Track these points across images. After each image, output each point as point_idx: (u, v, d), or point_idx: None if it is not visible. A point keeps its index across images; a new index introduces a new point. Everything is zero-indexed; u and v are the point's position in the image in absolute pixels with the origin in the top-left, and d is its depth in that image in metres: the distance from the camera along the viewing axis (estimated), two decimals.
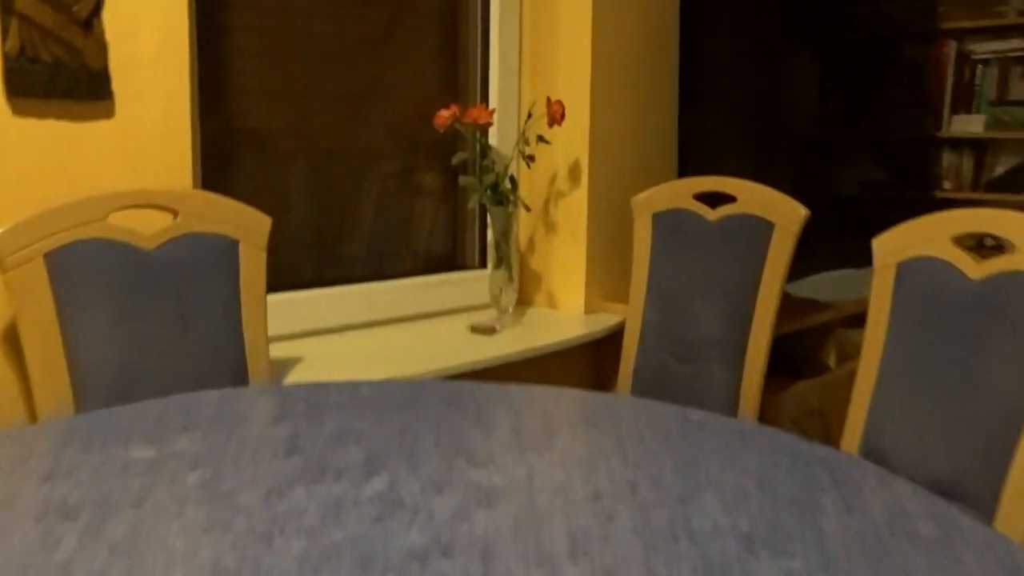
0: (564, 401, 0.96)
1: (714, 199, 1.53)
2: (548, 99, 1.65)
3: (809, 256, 1.56)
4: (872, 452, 1.13)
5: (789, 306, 1.58)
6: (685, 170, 1.93)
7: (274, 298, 1.47)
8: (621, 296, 1.78)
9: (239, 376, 1.18)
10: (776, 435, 0.84)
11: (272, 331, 1.42)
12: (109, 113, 1.16)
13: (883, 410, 1.12)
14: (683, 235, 1.58)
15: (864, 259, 1.49)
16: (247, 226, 1.19)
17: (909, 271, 1.13)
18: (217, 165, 1.43)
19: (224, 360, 1.16)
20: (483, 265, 1.88)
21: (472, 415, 0.89)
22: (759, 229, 1.47)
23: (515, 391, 0.99)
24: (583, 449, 0.79)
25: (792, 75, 2.70)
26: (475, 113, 1.59)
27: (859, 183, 2.85)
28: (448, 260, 1.84)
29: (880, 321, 1.15)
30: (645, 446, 0.80)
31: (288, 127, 1.54)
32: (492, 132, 1.82)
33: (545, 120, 1.64)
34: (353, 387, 0.99)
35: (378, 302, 1.65)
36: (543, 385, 1.02)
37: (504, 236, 1.64)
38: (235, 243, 1.18)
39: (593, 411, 0.92)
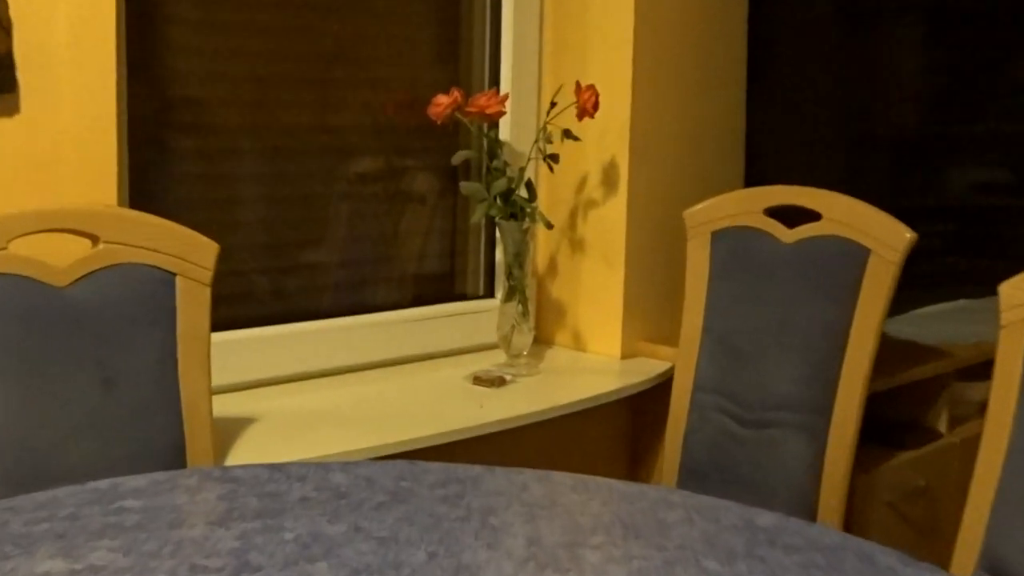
0: (595, 499, 0.96)
1: (791, 215, 1.54)
2: (578, 84, 1.66)
3: (912, 283, 1.54)
4: (996, 562, 1.13)
5: (886, 353, 1.52)
6: (753, 176, 1.93)
7: (220, 338, 1.48)
8: (668, 338, 1.79)
9: (175, 449, 1.18)
10: (872, 552, 0.83)
11: (218, 381, 1.44)
12: (12, 110, 1.17)
13: (1015, 502, 1.13)
14: (750, 261, 1.59)
15: (985, 286, 1.52)
16: (187, 255, 1.20)
17: None
18: (149, 175, 1.44)
19: (156, 429, 1.17)
20: (490, 295, 1.90)
21: (476, 518, 0.89)
22: (850, 256, 1.49)
23: (531, 481, 0.99)
24: (619, 573, 0.79)
25: (891, 48, 2.67)
26: (483, 101, 1.61)
27: (976, 187, 2.84)
28: (445, 288, 1.86)
29: (1010, 383, 1.15)
30: (700, 569, 0.80)
31: (240, 119, 1.55)
32: (504, 125, 1.83)
33: (573, 111, 1.66)
34: (322, 472, 0.99)
35: (355, 343, 1.67)
36: (568, 473, 1.02)
37: (517, 259, 1.66)
38: (171, 277, 1.20)
39: (632, 515, 0.91)
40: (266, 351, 1.56)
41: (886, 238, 1.45)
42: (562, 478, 1.00)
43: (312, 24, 1.62)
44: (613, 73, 1.77)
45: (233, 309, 1.55)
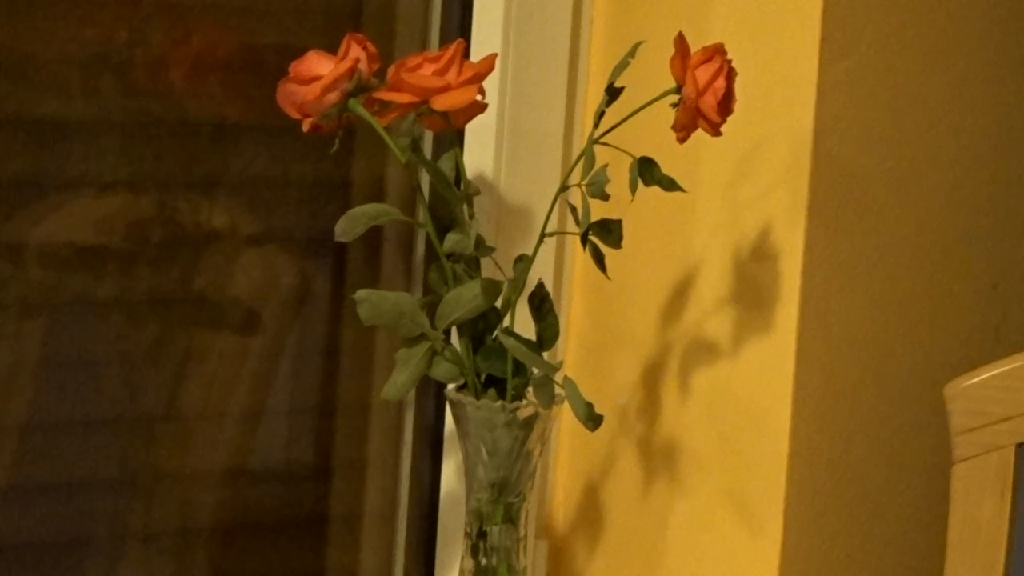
0: None
1: None
2: (681, 41, 1.21)
3: None
4: None
5: None
6: None
7: None
8: None
9: None
10: None
11: None
12: None
13: None
14: None
15: None
16: None
17: None
18: None
19: None
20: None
21: None
22: None
23: None
24: None
25: None
26: (426, 73, 1.19)
27: None
28: (304, 566, 1.49)
29: None
30: None
31: None
32: (481, 141, 1.42)
33: (668, 112, 1.21)
34: None
35: None
36: None
37: (504, 496, 1.27)
38: None
39: None
40: None
41: None
42: None
43: None
44: (772, 28, 1.38)
45: None
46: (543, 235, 1.23)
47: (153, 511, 1.43)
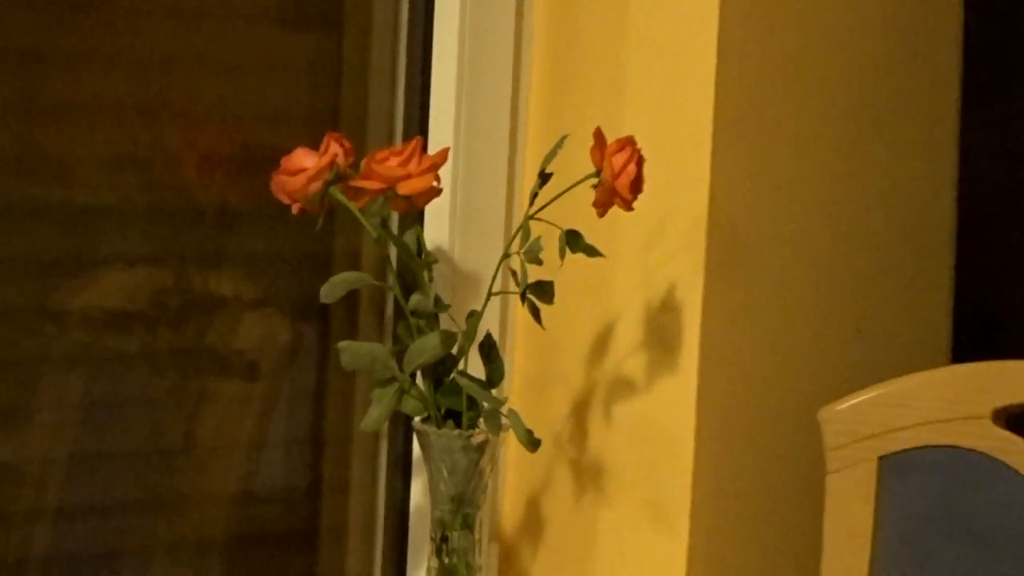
0: None
1: None
2: (599, 136, 1.36)
3: None
4: None
5: None
6: (974, 334, 1.75)
7: None
8: None
9: None
10: None
11: None
12: None
13: None
14: (966, 521, 1.43)
15: None
16: None
17: None
18: None
19: None
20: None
21: None
22: None
23: None
24: None
25: None
26: (392, 165, 1.33)
27: None
28: (298, 569, 1.65)
29: None
30: None
31: None
32: (438, 219, 1.57)
33: (589, 193, 1.36)
34: None
35: None
36: None
37: (461, 508, 1.40)
38: None
39: None
40: None
41: None
42: None
43: None
44: (674, 117, 1.54)
45: None
46: (489, 294, 1.39)
47: (174, 527, 1.57)
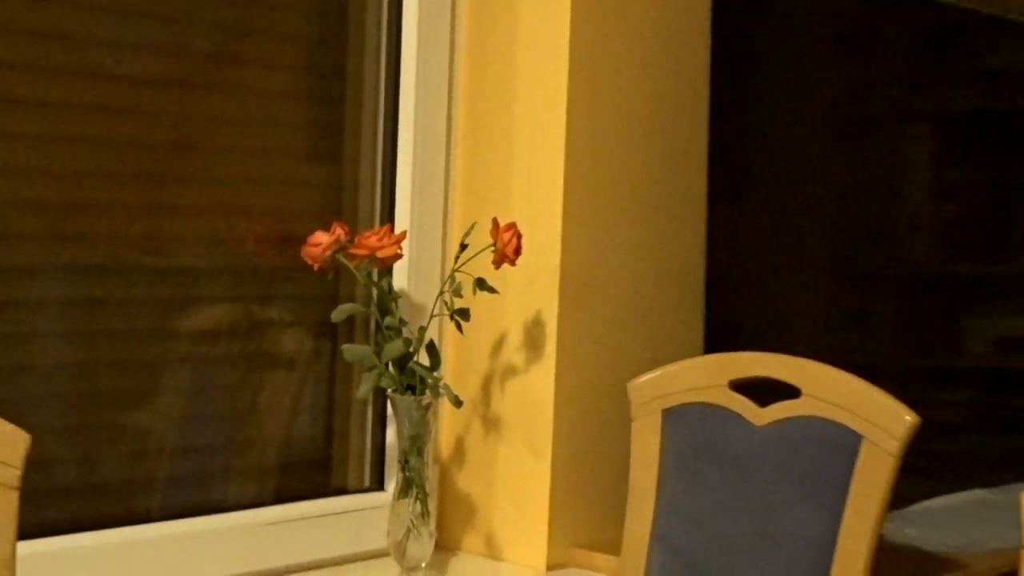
0: None
1: (764, 390, 1.56)
2: (495, 222, 1.67)
3: (918, 468, 1.55)
4: None
5: (884, 567, 1.50)
6: (717, 337, 1.93)
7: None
8: (609, 544, 1.75)
9: None
10: None
11: None
12: None
13: None
14: (712, 450, 1.61)
15: (1011, 471, 1.62)
16: None
17: None
18: None
19: None
20: (378, 488, 1.89)
21: None
22: (838, 444, 1.50)
23: None
24: None
25: (894, 161, 2.58)
26: (373, 241, 1.63)
27: (1000, 343, 2.76)
28: (320, 480, 1.87)
29: None
30: None
31: (36, 242, 1.57)
32: (400, 271, 1.84)
33: (489, 255, 1.66)
34: None
35: (200, 554, 1.64)
36: None
37: (415, 443, 1.66)
38: None
39: None
40: (72, 567, 1.50)
41: (882, 422, 1.45)
42: None
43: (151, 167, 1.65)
44: (540, 209, 1.81)
45: (25, 516, 1.46)
46: (431, 316, 1.73)
47: (248, 458, 1.80)
